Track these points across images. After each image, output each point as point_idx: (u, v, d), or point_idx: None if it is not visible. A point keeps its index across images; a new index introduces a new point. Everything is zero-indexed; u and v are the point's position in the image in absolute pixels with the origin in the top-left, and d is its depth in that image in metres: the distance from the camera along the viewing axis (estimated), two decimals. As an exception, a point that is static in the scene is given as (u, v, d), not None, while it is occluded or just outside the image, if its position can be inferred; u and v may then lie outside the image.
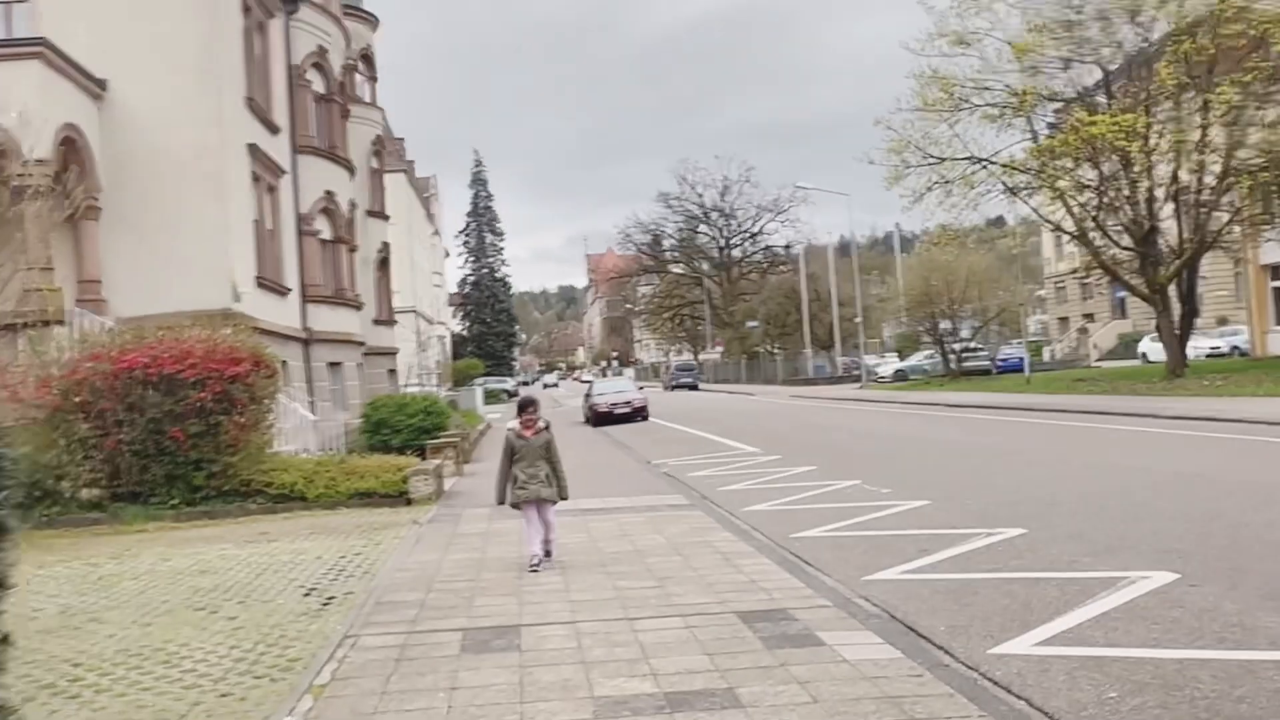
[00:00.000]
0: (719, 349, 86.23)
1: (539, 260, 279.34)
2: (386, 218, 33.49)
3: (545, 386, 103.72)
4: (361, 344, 28.30)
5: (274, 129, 23.19)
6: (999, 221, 54.43)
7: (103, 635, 6.67)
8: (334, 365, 25.99)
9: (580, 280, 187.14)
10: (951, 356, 47.18)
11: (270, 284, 22.06)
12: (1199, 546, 7.92)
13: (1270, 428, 16.96)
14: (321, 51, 26.42)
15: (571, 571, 8.22)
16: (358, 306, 28.17)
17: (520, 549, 9.01)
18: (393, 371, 33.08)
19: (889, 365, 58.74)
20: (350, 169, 28.39)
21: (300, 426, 18.74)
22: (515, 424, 8.79)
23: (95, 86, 18.84)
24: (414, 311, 52.08)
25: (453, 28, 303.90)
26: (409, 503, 13.54)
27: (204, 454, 13.23)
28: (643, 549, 9.18)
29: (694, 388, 68.91)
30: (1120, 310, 60.25)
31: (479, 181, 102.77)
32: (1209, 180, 29.53)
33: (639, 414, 33.55)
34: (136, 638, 6.58)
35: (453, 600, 7.32)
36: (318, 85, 26.60)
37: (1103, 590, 6.69)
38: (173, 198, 19.11)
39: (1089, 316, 64.35)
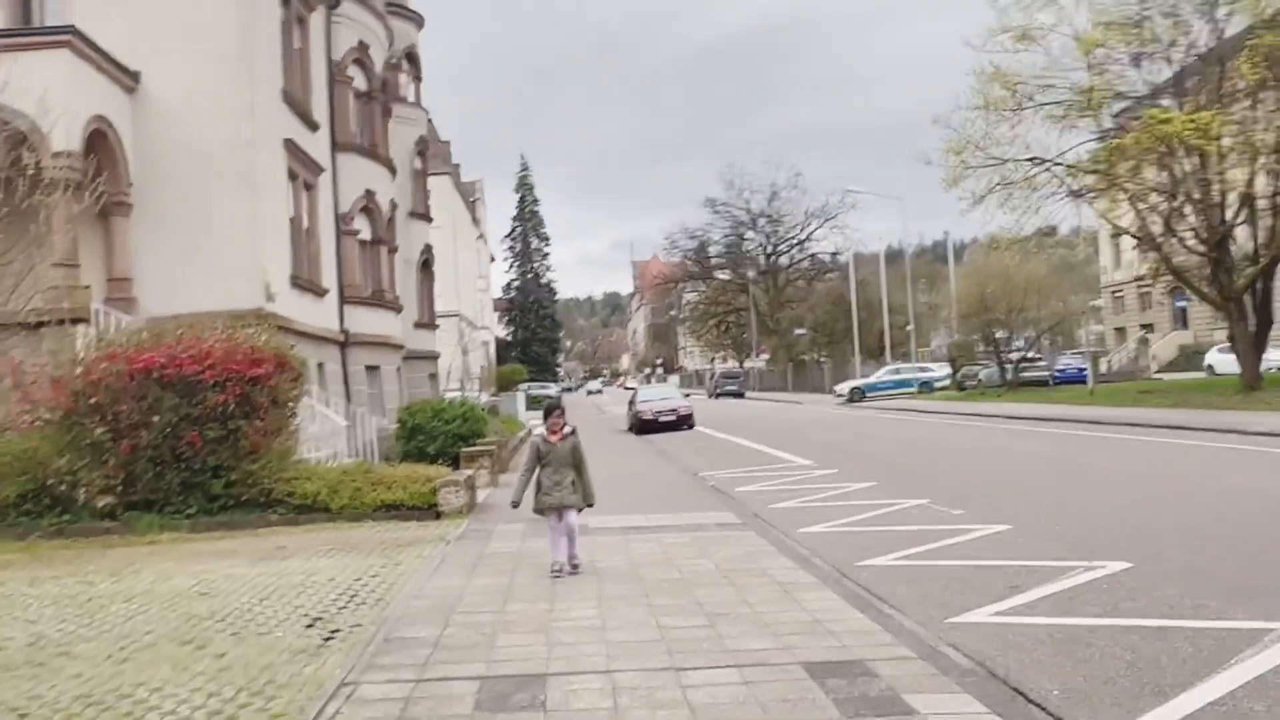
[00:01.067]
0: (764, 356, 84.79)
1: (584, 266, 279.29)
2: (430, 220, 32.80)
3: (589, 393, 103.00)
4: (401, 347, 27.59)
5: (313, 125, 22.53)
6: (1051, 231, 52.66)
7: (68, 675, 5.79)
8: (372, 369, 25.28)
9: (625, 286, 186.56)
10: (1008, 367, 45.58)
11: (306, 284, 21.37)
12: (1348, 590, 6.74)
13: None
14: (363, 47, 25.76)
15: (609, 603, 7.24)
16: (397, 309, 27.47)
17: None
18: (433, 376, 32.37)
19: (848, 383, 51.71)
20: (391, 169, 27.70)
21: (331, 432, 17.98)
22: (542, 429, 8.62)
23: (127, 78, 18.23)
24: (457, 315, 51.46)
25: (501, 34, 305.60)
26: (438, 516, 12.63)
27: (222, 461, 12.41)
28: (689, 577, 8.16)
29: (739, 395, 67.62)
30: (1181, 320, 58.09)
31: (525, 186, 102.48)
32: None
33: (684, 422, 32.50)
34: (106, 679, 5.69)
35: (472, 638, 6.36)
36: (359, 82, 25.94)
37: (1247, 645, 5.55)
38: (205, 193, 18.45)
39: (1147, 327, 62.13)
